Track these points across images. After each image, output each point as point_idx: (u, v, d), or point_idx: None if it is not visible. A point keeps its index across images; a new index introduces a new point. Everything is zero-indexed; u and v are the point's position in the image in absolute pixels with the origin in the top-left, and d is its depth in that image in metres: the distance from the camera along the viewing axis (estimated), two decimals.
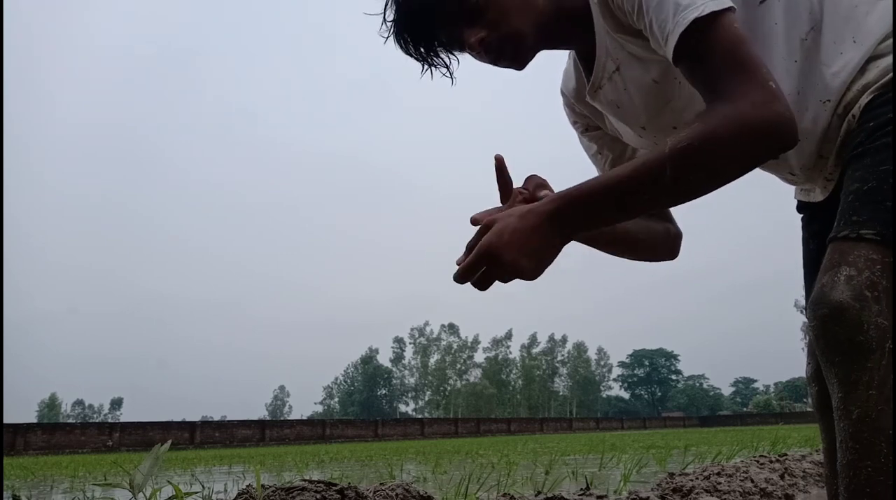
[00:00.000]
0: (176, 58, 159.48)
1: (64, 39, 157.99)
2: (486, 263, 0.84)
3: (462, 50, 1.05)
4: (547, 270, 0.87)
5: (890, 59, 0.91)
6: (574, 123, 1.26)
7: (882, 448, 0.74)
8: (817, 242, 1.15)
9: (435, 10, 0.99)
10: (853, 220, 0.85)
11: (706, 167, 0.79)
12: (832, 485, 1.09)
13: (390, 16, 1.01)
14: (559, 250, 0.86)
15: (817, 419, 1.13)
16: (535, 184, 0.97)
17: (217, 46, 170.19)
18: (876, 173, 0.85)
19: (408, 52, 1.04)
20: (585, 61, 1.11)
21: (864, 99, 0.92)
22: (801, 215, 1.23)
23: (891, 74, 0.90)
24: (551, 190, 0.94)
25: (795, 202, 1.25)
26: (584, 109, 1.21)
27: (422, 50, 1.03)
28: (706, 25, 0.82)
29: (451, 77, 1.06)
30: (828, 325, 0.80)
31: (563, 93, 1.24)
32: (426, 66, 1.05)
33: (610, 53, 1.02)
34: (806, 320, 1.18)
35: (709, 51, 0.82)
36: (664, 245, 1.16)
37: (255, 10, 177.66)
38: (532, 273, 0.85)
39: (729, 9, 0.83)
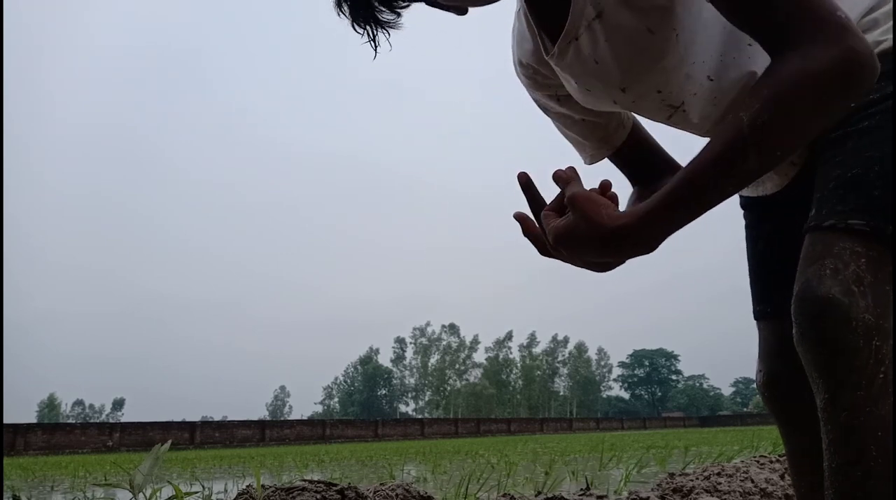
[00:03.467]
0: (176, 58, 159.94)
1: (64, 39, 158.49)
2: (562, 251, 0.82)
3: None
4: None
5: (874, 34, 0.83)
6: (548, 97, 1.09)
7: (871, 451, 0.69)
8: (767, 244, 1.10)
9: None
10: (838, 209, 0.77)
11: (793, 132, 0.69)
12: (800, 488, 1.06)
13: None
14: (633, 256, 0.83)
15: (777, 424, 1.08)
16: (566, 181, 0.83)
17: (217, 46, 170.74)
18: (861, 159, 0.78)
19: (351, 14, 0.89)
20: (541, 17, 0.96)
21: None
22: (745, 213, 1.15)
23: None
24: (579, 180, 0.83)
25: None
26: (546, 71, 1.05)
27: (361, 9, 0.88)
28: None
29: (389, 39, 0.91)
30: (816, 322, 0.74)
31: (520, 62, 1.07)
32: (367, 29, 0.89)
33: None
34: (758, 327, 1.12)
35: None
36: None
37: (255, 9, 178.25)
38: (600, 271, 0.85)
39: None
